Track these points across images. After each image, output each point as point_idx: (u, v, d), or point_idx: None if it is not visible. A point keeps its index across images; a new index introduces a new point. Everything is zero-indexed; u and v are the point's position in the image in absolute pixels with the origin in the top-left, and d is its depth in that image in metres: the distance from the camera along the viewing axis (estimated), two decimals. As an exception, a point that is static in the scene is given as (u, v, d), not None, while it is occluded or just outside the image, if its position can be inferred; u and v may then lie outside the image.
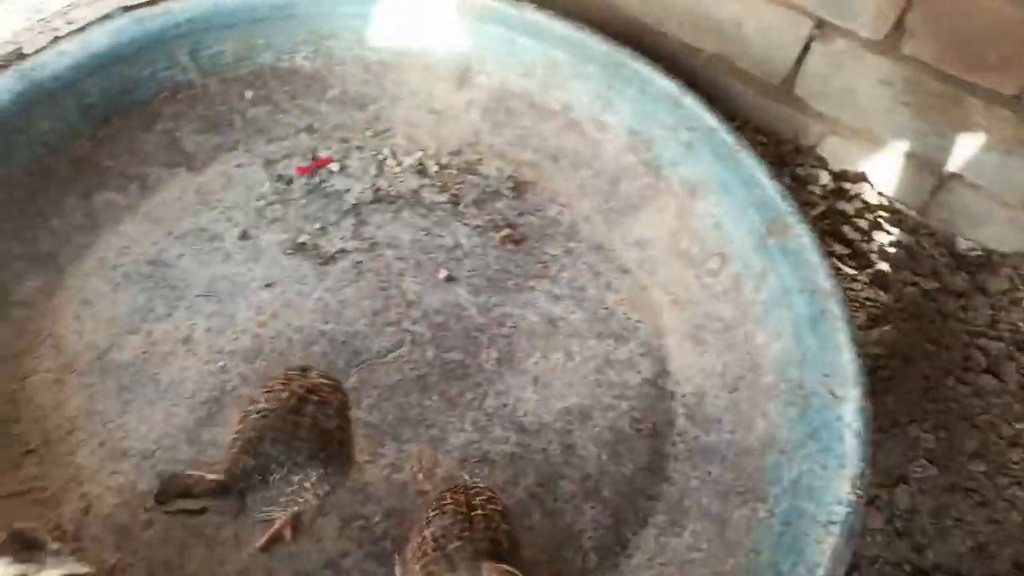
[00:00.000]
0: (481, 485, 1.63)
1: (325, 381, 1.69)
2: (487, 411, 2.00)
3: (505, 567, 1.36)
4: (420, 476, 1.89)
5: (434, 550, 1.46)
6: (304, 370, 1.71)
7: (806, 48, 2.55)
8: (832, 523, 1.60)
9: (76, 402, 1.91)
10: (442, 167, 2.47)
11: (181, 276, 2.14)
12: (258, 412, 1.57)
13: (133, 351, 2.00)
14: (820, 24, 2.45)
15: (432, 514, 1.54)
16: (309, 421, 1.58)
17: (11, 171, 2.08)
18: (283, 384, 1.64)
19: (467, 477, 1.65)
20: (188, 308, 2.09)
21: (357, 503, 1.84)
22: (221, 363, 2.01)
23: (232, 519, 1.61)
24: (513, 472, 1.91)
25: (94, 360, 1.97)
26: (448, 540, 1.46)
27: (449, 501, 1.55)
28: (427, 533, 1.50)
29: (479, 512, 1.53)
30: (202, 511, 1.43)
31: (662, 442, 1.98)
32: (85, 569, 1.43)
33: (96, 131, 2.23)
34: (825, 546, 1.56)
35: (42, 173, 2.14)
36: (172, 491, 1.39)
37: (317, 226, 2.29)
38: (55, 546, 1.41)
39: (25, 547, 1.38)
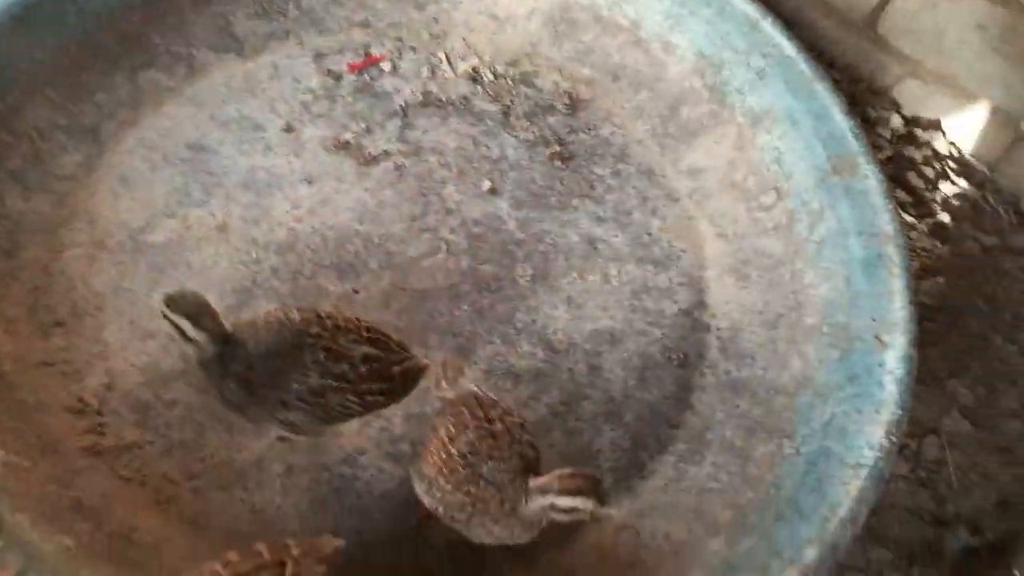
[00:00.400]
0: (491, 396, 1.60)
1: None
2: (516, 325, 1.96)
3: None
4: (443, 383, 1.86)
5: (465, 467, 1.44)
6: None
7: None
8: (860, 466, 1.53)
9: (106, 278, 1.91)
10: (496, 76, 2.39)
11: (220, 163, 2.12)
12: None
13: (167, 233, 2.00)
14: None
15: (452, 428, 1.51)
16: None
17: (61, 41, 2.05)
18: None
19: (476, 389, 1.61)
20: (225, 196, 2.07)
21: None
22: (254, 254, 2.00)
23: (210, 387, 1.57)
24: (536, 388, 1.88)
25: (127, 239, 1.97)
26: (479, 459, 1.44)
27: (468, 415, 1.52)
28: (453, 450, 1.47)
29: (500, 426, 1.50)
30: (188, 341, 1.45)
31: (691, 373, 1.92)
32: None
33: (148, 7, 2.19)
34: (851, 488, 1.50)
35: (91, 46, 2.11)
36: (186, 307, 1.42)
37: (362, 125, 2.24)
38: None
39: None
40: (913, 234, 2.27)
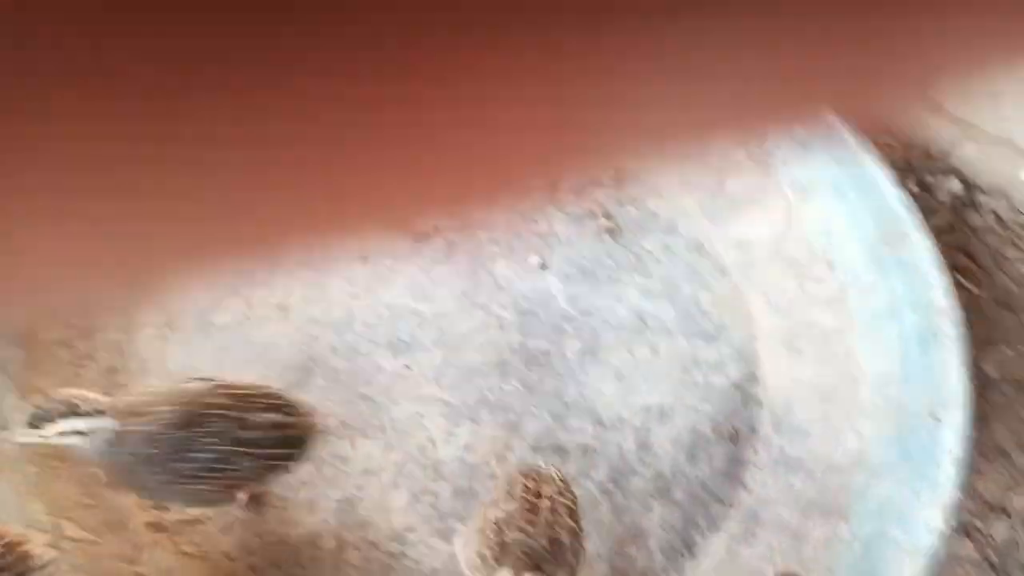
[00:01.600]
0: (555, 474, 1.61)
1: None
2: (565, 401, 1.98)
3: None
4: (492, 460, 1.89)
5: (493, 534, 1.46)
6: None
7: (945, 45, 2.37)
8: (917, 552, 1.48)
9: (176, 359, 2.02)
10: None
11: (283, 245, 2.22)
12: None
13: (231, 314, 2.10)
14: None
15: (499, 496, 1.53)
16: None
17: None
18: None
19: (543, 464, 1.63)
20: (285, 275, 2.17)
21: (428, 479, 1.86)
22: (313, 332, 2.08)
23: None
24: (585, 464, 1.88)
25: (195, 319, 2.08)
26: (508, 529, 1.46)
27: (520, 486, 1.54)
28: (490, 514, 1.49)
29: (546, 503, 1.51)
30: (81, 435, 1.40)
31: (743, 449, 1.90)
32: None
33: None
34: (908, 574, 1.45)
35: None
36: (53, 412, 1.37)
37: (416, 205, 2.32)
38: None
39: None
40: (976, 304, 2.21)
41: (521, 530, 1.44)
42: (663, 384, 2.01)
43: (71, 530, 1.65)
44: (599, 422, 1.95)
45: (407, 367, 2.03)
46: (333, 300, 2.13)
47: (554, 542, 1.44)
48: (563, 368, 2.03)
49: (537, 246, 2.25)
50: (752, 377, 2.02)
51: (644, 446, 1.91)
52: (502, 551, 1.41)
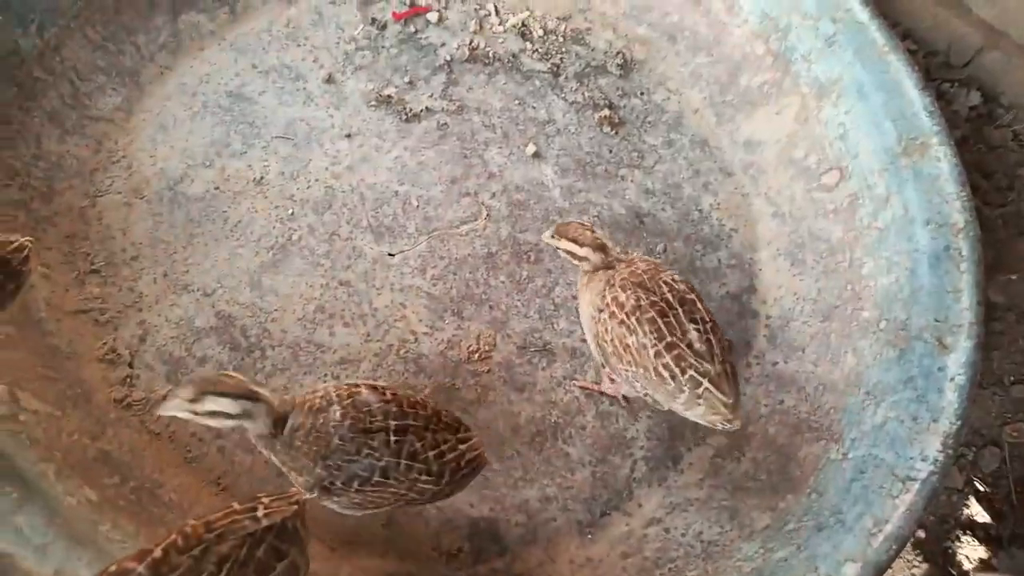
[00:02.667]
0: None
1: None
2: (555, 300, 1.89)
3: None
4: (476, 357, 1.82)
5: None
6: None
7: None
8: (911, 479, 1.44)
9: (143, 228, 1.88)
10: (547, 32, 2.27)
11: (260, 113, 2.05)
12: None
13: (204, 185, 1.95)
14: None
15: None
16: None
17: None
18: None
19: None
20: (264, 148, 2.01)
21: (409, 373, 1.78)
22: (290, 210, 1.94)
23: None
24: (572, 367, 1.81)
25: (165, 189, 1.93)
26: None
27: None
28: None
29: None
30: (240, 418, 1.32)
31: (736, 362, 1.84)
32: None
33: (190, -54, 2.11)
34: (899, 502, 1.42)
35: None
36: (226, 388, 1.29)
37: (406, 80, 2.15)
38: None
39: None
40: (987, 226, 2.12)
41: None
42: (658, 289, 1.92)
43: (29, 401, 1.56)
44: (589, 324, 1.87)
45: (390, 254, 1.91)
46: (313, 177, 1.99)
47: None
48: (554, 265, 1.93)
49: (533, 134, 2.10)
50: (751, 288, 1.94)
51: (634, 352, 1.84)
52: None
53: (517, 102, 2.14)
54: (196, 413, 1.26)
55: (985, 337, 1.63)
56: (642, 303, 1.47)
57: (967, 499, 1.72)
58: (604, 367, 1.67)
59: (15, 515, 1.31)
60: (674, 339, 1.44)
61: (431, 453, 1.37)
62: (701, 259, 1.97)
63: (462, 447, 1.41)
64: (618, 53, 2.24)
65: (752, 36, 2.14)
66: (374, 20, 2.22)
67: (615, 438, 1.75)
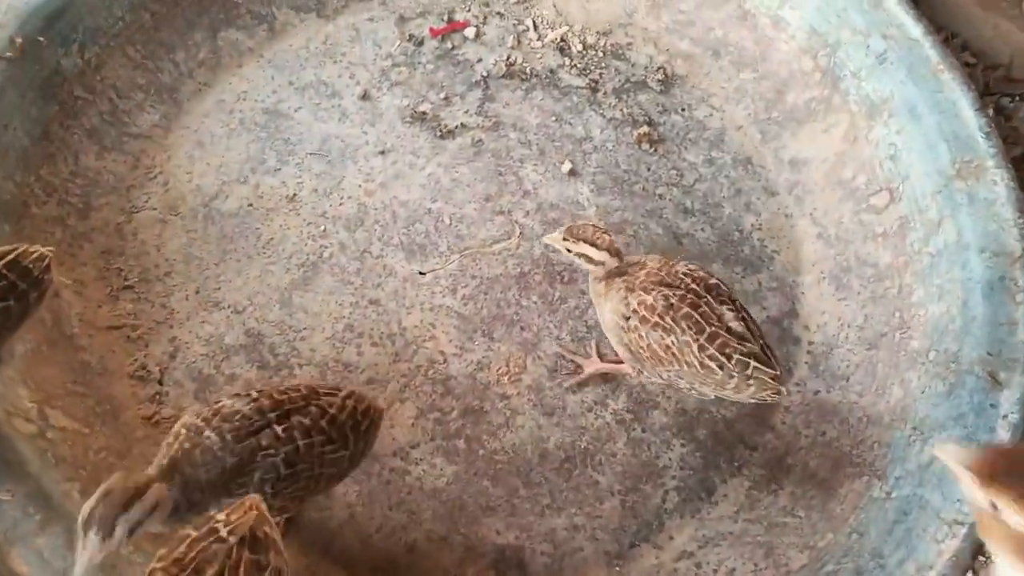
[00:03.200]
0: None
1: None
2: (587, 322, 1.84)
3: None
4: (505, 379, 1.78)
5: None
6: None
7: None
8: (959, 523, 1.36)
9: (177, 244, 1.89)
10: (586, 47, 2.23)
11: (295, 130, 2.05)
12: None
13: (238, 201, 1.95)
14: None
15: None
16: None
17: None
18: None
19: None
20: (298, 165, 2.01)
21: (437, 395, 1.76)
22: (322, 227, 1.94)
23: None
24: (604, 392, 1.77)
25: (199, 206, 1.94)
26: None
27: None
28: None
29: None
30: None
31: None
32: None
33: (230, -38, 2.12)
34: (944, 548, 1.34)
35: (170, 2, 2.06)
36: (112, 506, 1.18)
37: (441, 96, 2.13)
38: None
39: None
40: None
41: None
42: (694, 312, 1.86)
43: (57, 418, 1.57)
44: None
45: (420, 273, 1.89)
46: (346, 194, 1.98)
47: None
48: (587, 286, 1.88)
49: (570, 151, 2.06)
50: (792, 312, 1.86)
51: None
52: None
53: (554, 118, 2.11)
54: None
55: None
56: (672, 301, 1.48)
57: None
58: (641, 374, 1.64)
59: (37, 537, 1.32)
60: (714, 328, 1.46)
61: (323, 422, 1.36)
62: (741, 281, 1.90)
63: (348, 402, 1.40)
64: (659, 68, 2.19)
65: (800, 52, 2.07)
66: (411, 36, 2.21)
67: (647, 466, 1.69)
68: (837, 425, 1.68)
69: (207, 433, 1.31)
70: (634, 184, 2.03)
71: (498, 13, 2.25)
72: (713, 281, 1.53)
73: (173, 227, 1.92)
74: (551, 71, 2.18)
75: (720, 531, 1.61)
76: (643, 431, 1.72)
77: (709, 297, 1.49)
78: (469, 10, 2.25)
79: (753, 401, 1.50)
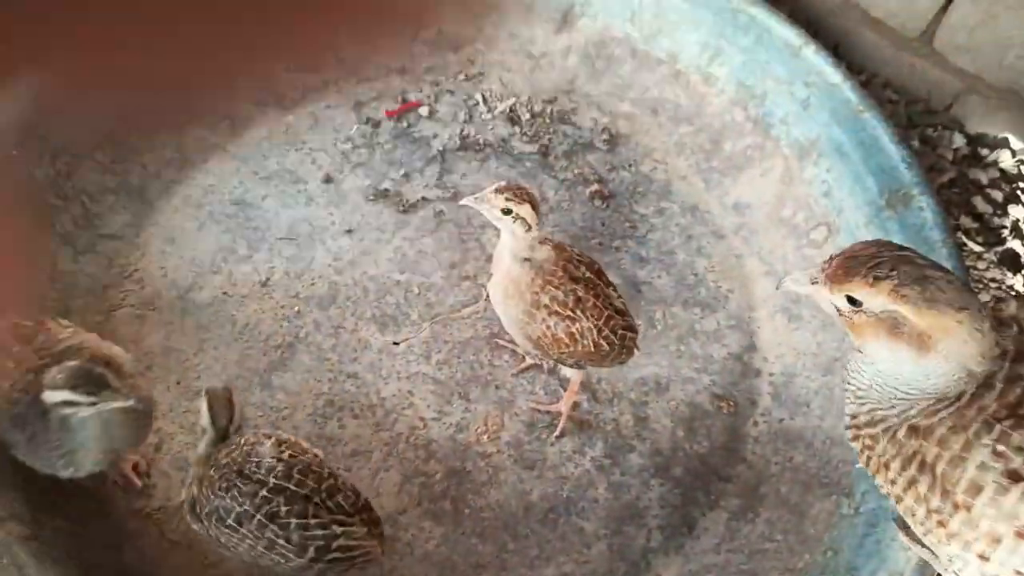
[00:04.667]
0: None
1: None
2: (559, 376, 1.92)
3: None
4: (485, 438, 1.84)
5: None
6: None
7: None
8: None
9: (155, 339, 1.95)
10: (534, 115, 2.36)
11: (264, 218, 2.14)
12: None
13: (213, 291, 2.02)
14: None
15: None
16: None
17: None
18: None
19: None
20: (269, 250, 2.09)
21: (420, 460, 1.81)
22: (296, 308, 2.00)
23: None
24: (581, 441, 1.83)
25: (175, 299, 2.00)
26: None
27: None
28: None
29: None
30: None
31: (743, 422, 1.85)
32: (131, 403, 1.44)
33: (190, 67, 2.23)
34: (911, 554, 1.41)
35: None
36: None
37: (401, 172, 2.23)
38: (116, 383, 1.43)
39: (92, 382, 1.41)
40: (981, 264, 2.14)
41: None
42: (659, 356, 1.95)
43: (49, 520, 1.60)
44: (594, 397, 1.89)
45: (394, 343, 1.96)
46: (317, 274, 2.06)
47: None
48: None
49: (527, 213, 2.17)
50: (751, 347, 1.96)
51: (641, 421, 1.86)
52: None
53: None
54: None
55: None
56: (579, 295, 1.60)
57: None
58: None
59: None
60: (608, 312, 1.62)
61: (295, 521, 1.41)
62: (700, 322, 2.00)
63: (336, 528, 1.43)
64: (604, 129, 2.33)
65: (731, 104, 2.22)
66: (368, 119, 2.32)
67: (628, 508, 1.75)
68: (803, 450, 1.77)
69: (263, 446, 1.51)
70: (591, 239, 2.13)
71: (448, 91, 2.38)
72: (597, 267, 1.67)
73: (151, 322, 1.98)
74: (503, 140, 2.30)
75: (705, 564, 1.67)
76: (622, 474, 1.79)
77: (601, 283, 1.64)
78: (421, 90, 2.38)
79: (616, 365, 1.70)
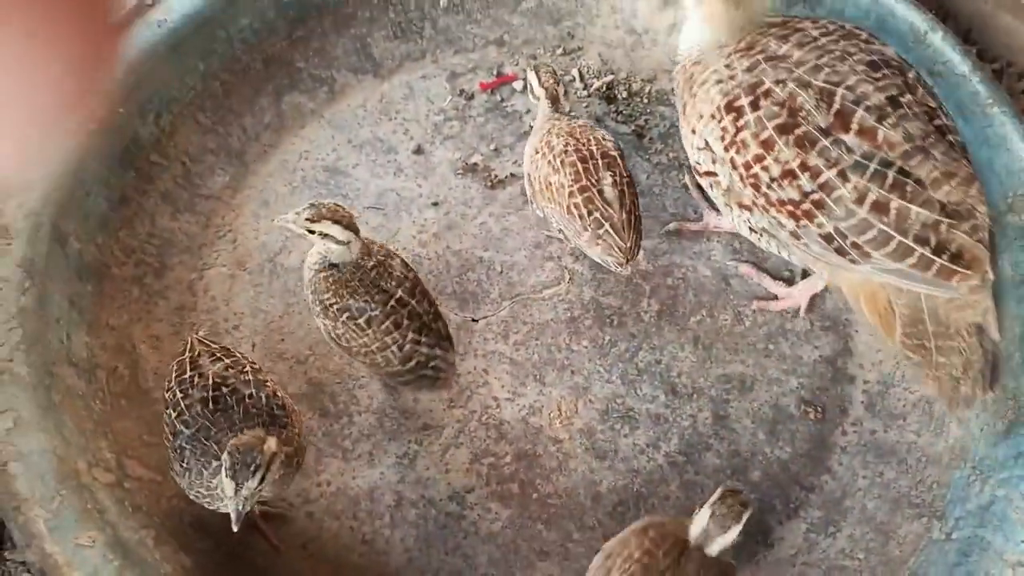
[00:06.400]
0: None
1: None
2: (638, 365, 1.86)
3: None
4: (557, 423, 1.81)
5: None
6: None
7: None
8: (1022, 565, 1.33)
9: (244, 299, 1.99)
10: (632, 94, 2.28)
11: (353, 185, 2.15)
12: None
13: (301, 256, 2.04)
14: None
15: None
16: None
17: (210, 66, 2.15)
18: None
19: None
20: (356, 218, 2.10)
21: (491, 440, 1.80)
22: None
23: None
24: (655, 435, 1.78)
25: (265, 261, 2.05)
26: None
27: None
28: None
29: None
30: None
31: (831, 430, 1.76)
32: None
33: (292, 31, 2.25)
34: (1007, 589, 1.31)
35: (238, 70, 2.20)
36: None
37: (491, 147, 2.20)
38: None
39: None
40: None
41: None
42: (745, 354, 1.86)
43: (134, 468, 1.67)
44: (673, 390, 1.83)
45: (473, 320, 1.95)
46: (401, 245, 2.06)
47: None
48: (637, 329, 1.91)
49: (618, 195, 2.11)
50: (846, 351, 1.85)
51: (720, 419, 1.79)
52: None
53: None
54: (310, 232, 1.57)
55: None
56: (568, 149, 1.76)
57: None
58: (532, 204, 1.93)
59: (117, 582, 1.40)
60: (588, 183, 1.72)
61: (411, 335, 1.61)
62: (792, 320, 1.90)
63: (438, 351, 1.66)
64: (704, 112, 2.22)
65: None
66: (462, 91, 2.30)
67: (700, 510, 1.69)
68: (895, 466, 1.66)
69: (396, 260, 1.70)
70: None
71: (545, 65, 2.32)
72: (613, 154, 1.78)
73: (241, 282, 2.03)
74: (597, 119, 2.24)
75: (778, 574, 1.60)
76: (696, 473, 1.73)
77: (600, 161, 1.75)
78: (517, 63, 2.34)
79: (603, 262, 1.76)
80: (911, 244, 1.36)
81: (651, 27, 2.33)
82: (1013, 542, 1.36)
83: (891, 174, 1.36)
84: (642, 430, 1.79)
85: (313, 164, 2.20)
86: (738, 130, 1.49)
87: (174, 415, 1.49)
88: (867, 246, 1.39)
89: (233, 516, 1.38)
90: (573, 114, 1.91)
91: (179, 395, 1.51)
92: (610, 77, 2.30)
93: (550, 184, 1.76)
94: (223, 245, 2.08)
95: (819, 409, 1.78)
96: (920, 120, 1.42)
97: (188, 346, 1.62)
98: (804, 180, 1.42)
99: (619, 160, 1.78)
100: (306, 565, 1.68)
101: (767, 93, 1.47)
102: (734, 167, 1.53)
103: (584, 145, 1.77)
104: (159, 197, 2.06)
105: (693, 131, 1.64)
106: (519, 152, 2.19)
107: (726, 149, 1.53)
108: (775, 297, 1.91)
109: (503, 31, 2.38)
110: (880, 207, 1.37)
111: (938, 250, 1.35)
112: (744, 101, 1.49)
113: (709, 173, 1.65)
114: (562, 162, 1.75)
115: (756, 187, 1.50)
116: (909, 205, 1.36)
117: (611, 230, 1.70)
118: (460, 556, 1.68)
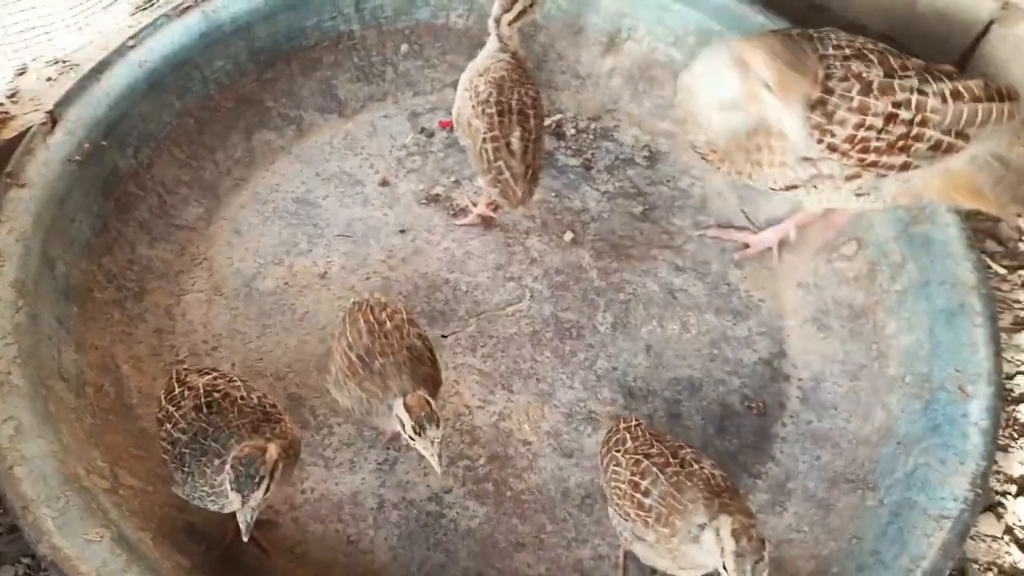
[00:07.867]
0: (382, 299, 1.79)
1: None
2: (597, 372, 2.03)
3: (422, 395, 1.58)
4: (526, 427, 1.95)
5: (363, 368, 1.64)
6: None
7: (985, 30, 2.39)
8: (944, 518, 1.53)
9: (221, 322, 2.09)
10: (579, 131, 2.50)
11: (323, 216, 2.28)
12: None
13: (275, 281, 2.16)
14: (1005, 4, 2.28)
15: (351, 336, 1.69)
16: None
17: (186, 104, 2.27)
18: None
19: (383, 300, 1.78)
20: (327, 246, 2.23)
21: (464, 444, 1.92)
22: (352, 300, 2.13)
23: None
24: (617, 433, 1.93)
25: (241, 286, 2.15)
26: (372, 358, 1.65)
27: (362, 322, 1.70)
28: (352, 355, 1.66)
29: (389, 325, 1.70)
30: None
31: (772, 423, 1.95)
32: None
33: (262, 73, 2.40)
34: (934, 539, 1.51)
35: (211, 108, 2.32)
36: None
37: (452, 179, 2.37)
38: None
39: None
40: (1005, 286, 2.23)
41: (382, 355, 1.64)
42: (693, 358, 2.06)
43: (125, 477, 1.73)
44: (630, 393, 2.00)
45: (443, 336, 2.08)
46: (372, 269, 2.19)
47: (411, 349, 1.66)
48: (594, 340, 2.08)
49: (570, 222, 2.29)
50: (781, 353, 2.06)
51: (674, 418, 1.96)
52: (380, 379, 1.62)
53: (554, 194, 2.35)
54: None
55: (1012, 390, 1.73)
56: (490, 100, 1.97)
57: (1009, 546, 1.77)
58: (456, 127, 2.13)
59: (126, 573, 1.46)
60: (499, 134, 1.95)
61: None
62: (732, 328, 2.10)
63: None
64: (644, 146, 2.46)
65: (766, 125, 2.33)
66: (423, 129, 2.47)
67: (661, 497, 1.85)
68: (830, 449, 1.86)
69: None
70: (630, 248, 2.25)
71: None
72: (530, 111, 1.99)
73: (218, 306, 2.12)
74: (549, 153, 2.44)
75: (732, 550, 1.75)
76: (655, 465, 1.89)
77: (515, 117, 1.96)
78: (472, 105, 2.53)
79: (498, 201, 2.07)
80: (990, 104, 1.66)
81: (594, 72, 2.57)
82: (935, 500, 1.56)
83: (934, 78, 1.69)
84: (604, 429, 1.94)
85: (284, 196, 2.32)
86: (829, 116, 1.67)
87: (169, 426, 1.55)
88: (967, 128, 1.67)
89: (243, 527, 1.44)
90: (519, 54, 2.08)
91: (171, 409, 1.57)
92: (559, 116, 2.52)
93: (470, 124, 1.99)
94: (199, 272, 2.18)
95: (760, 405, 1.98)
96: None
97: (173, 375, 1.67)
98: (903, 113, 1.65)
99: (532, 117, 1.99)
100: (294, 567, 1.75)
101: (828, 76, 1.68)
102: (834, 150, 1.70)
103: (506, 99, 1.97)
104: (137, 226, 2.15)
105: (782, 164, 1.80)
106: (477, 184, 2.37)
107: (820, 140, 1.70)
108: (747, 246, 2.21)
109: (459, 75, 2.57)
110: (956, 95, 1.66)
111: (1000, 97, 1.67)
112: (817, 94, 1.68)
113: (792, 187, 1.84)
114: (483, 111, 1.96)
115: (865, 149, 1.69)
116: (962, 84, 1.66)
117: (510, 178, 1.96)
118: (442, 551, 1.78)
